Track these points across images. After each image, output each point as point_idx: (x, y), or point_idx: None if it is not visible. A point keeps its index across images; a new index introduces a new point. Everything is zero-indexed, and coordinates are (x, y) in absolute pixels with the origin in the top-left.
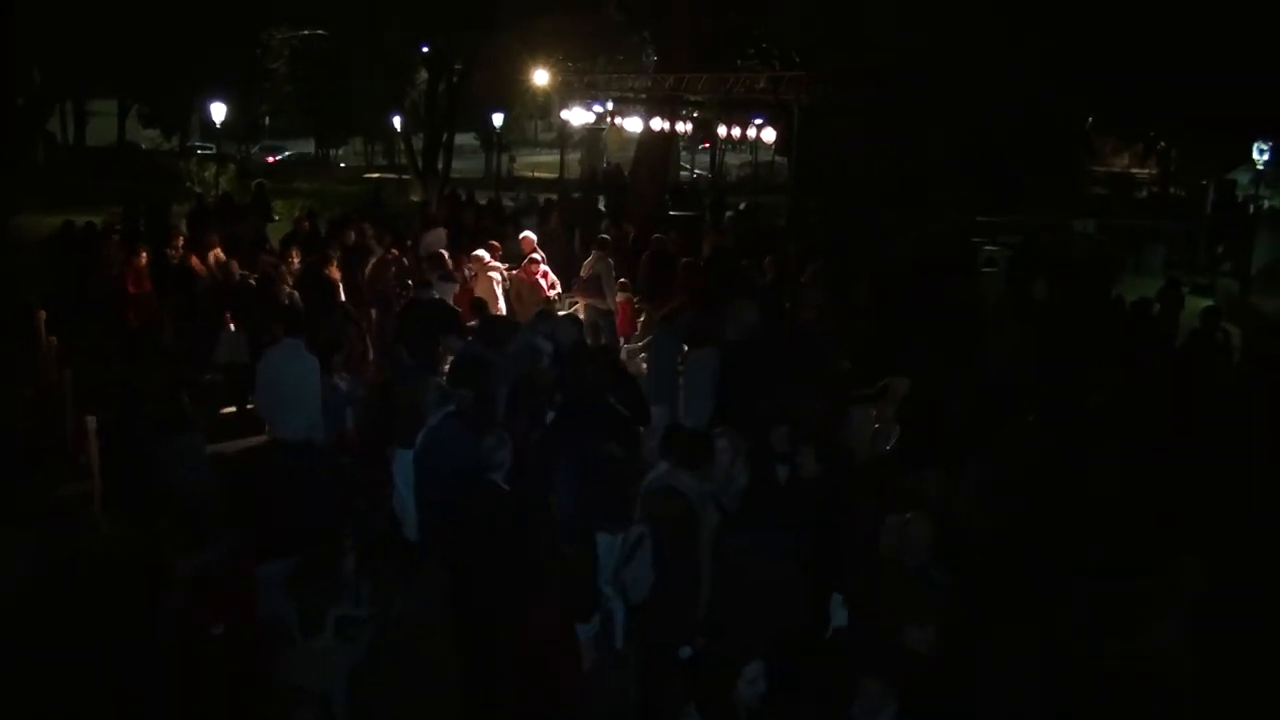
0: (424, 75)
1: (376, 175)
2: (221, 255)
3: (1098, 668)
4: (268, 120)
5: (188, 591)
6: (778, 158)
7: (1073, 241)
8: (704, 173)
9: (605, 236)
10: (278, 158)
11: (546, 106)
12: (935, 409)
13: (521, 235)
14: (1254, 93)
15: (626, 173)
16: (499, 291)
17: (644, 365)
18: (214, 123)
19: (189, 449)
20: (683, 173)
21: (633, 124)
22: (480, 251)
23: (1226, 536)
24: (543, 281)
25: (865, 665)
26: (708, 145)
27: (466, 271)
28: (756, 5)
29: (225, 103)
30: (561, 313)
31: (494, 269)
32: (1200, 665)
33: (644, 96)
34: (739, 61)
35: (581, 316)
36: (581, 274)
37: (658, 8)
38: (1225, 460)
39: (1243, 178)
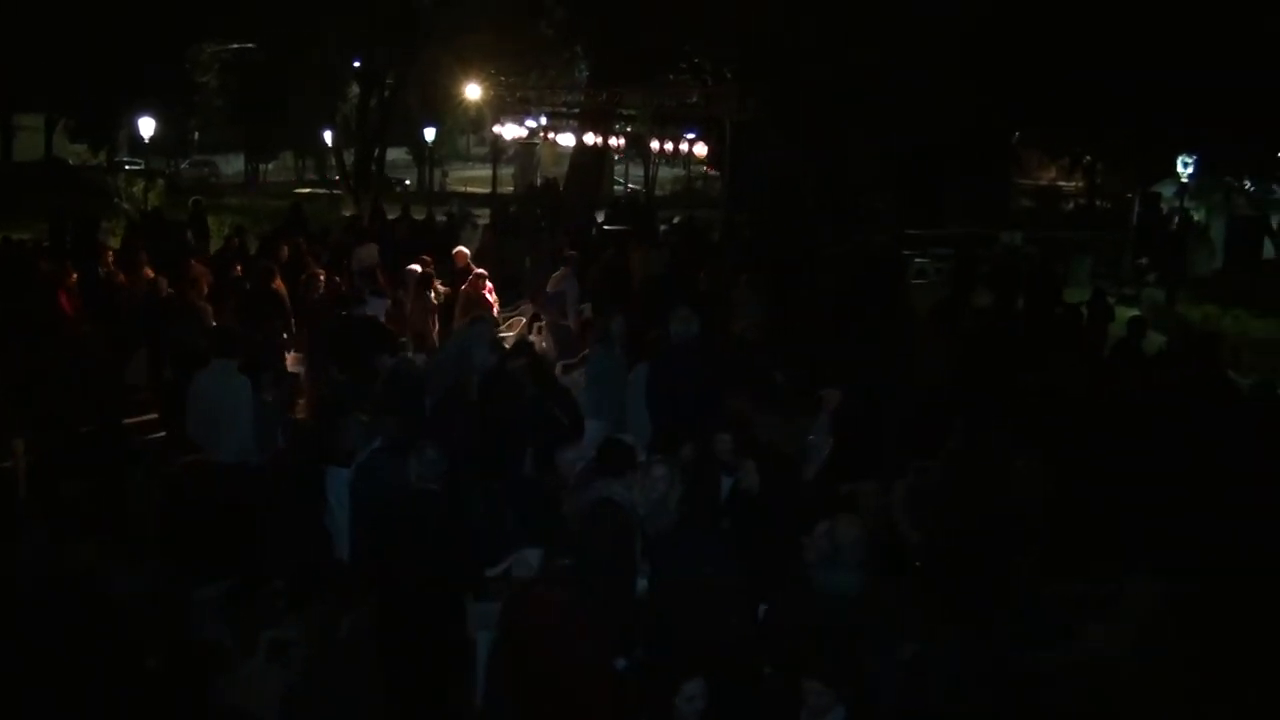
0: (355, 89)
1: (307, 191)
2: (150, 273)
3: (1035, 673)
4: (197, 135)
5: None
6: (711, 171)
7: (1016, 252)
8: (638, 187)
9: (572, 253)
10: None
11: (479, 121)
12: (869, 419)
13: (455, 250)
14: (1179, 108)
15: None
16: (430, 307)
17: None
18: (142, 138)
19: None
20: (616, 187)
21: (566, 138)
22: (414, 266)
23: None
24: (490, 297)
25: (807, 669)
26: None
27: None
28: (690, 22)
29: (154, 117)
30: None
31: (424, 285)
32: (1140, 671)
33: (577, 111)
34: (671, 76)
35: (516, 332)
36: (548, 289)
37: (590, 23)
38: (1151, 465)
39: (1167, 190)
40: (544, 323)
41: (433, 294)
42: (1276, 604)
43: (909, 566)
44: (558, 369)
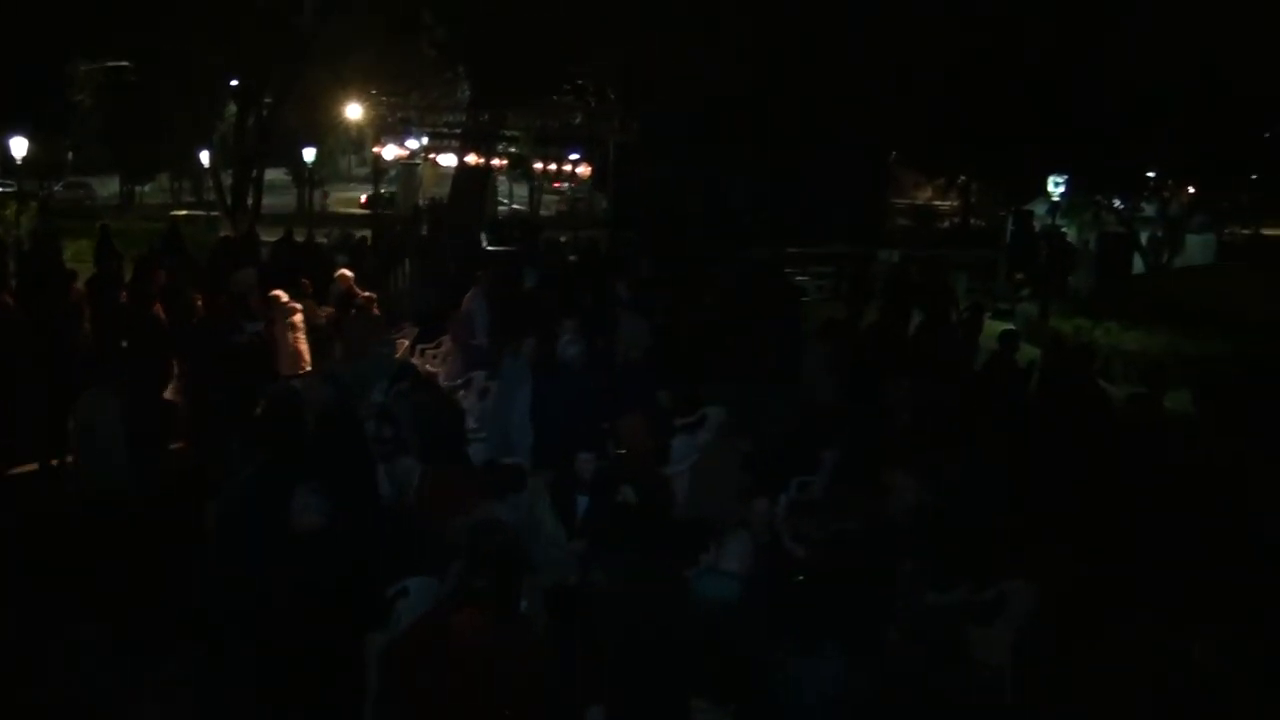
0: (233, 109)
1: (184, 213)
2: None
3: (919, 683)
4: (71, 156)
5: None
6: (596, 191)
7: (910, 268)
8: (522, 207)
9: (482, 273)
10: None
11: (360, 141)
12: (754, 435)
13: (338, 273)
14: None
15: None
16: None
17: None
18: (14, 158)
19: None
20: (500, 207)
21: (448, 159)
22: (278, 292)
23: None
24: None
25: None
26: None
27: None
28: (573, 43)
29: (27, 138)
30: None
31: (295, 309)
32: (1026, 677)
33: (459, 131)
34: (554, 97)
35: (399, 355)
36: (462, 308)
37: (472, 44)
38: (1028, 473)
39: (1039, 208)
40: (442, 345)
41: (299, 318)
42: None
43: (794, 578)
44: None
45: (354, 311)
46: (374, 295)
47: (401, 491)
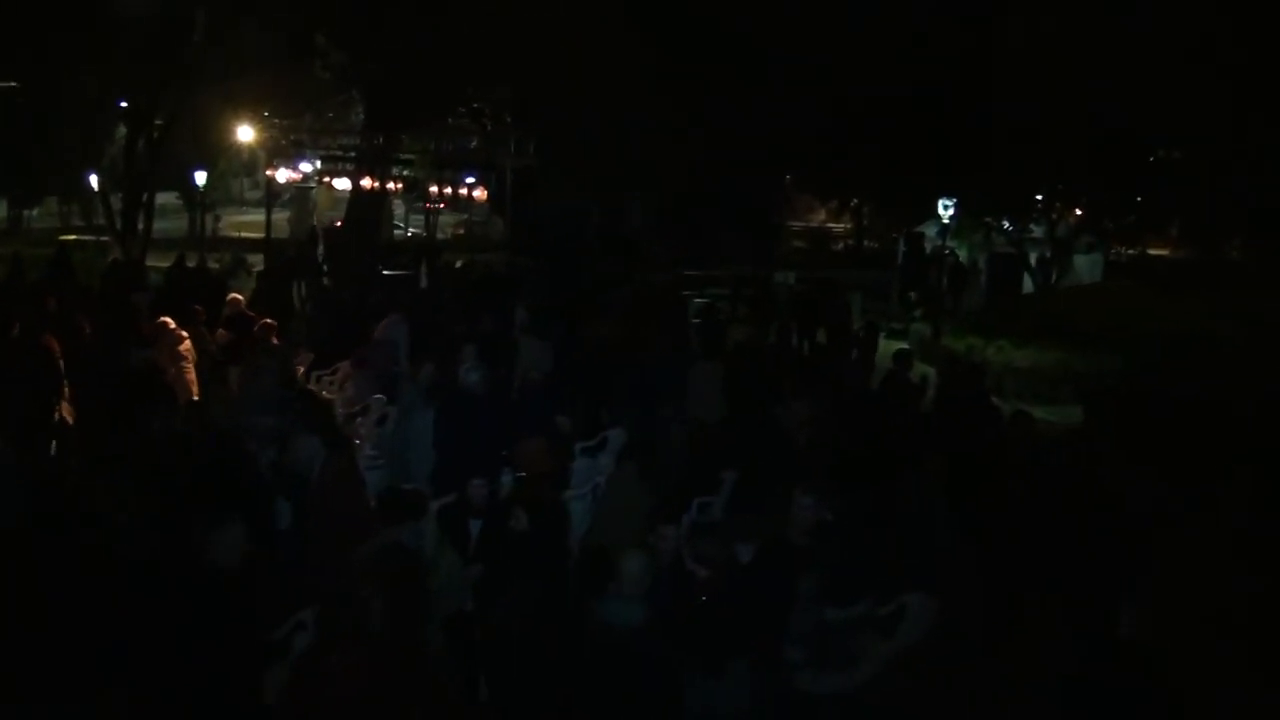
0: (123, 131)
1: (74, 237)
2: None
3: (811, 703)
4: None
5: None
6: (494, 216)
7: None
8: (419, 231)
9: (403, 299)
10: None
11: (253, 164)
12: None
13: (229, 297)
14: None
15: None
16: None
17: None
18: None
19: None
20: (396, 231)
21: (343, 182)
22: (166, 319)
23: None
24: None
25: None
26: (431, 206)
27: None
28: (468, 68)
29: None
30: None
31: (182, 338)
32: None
33: (353, 155)
34: (450, 121)
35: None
36: (375, 335)
37: (367, 66)
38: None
39: (930, 230)
40: (339, 371)
41: (187, 346)
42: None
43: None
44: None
45: (253, 338)
46: (274, 322)
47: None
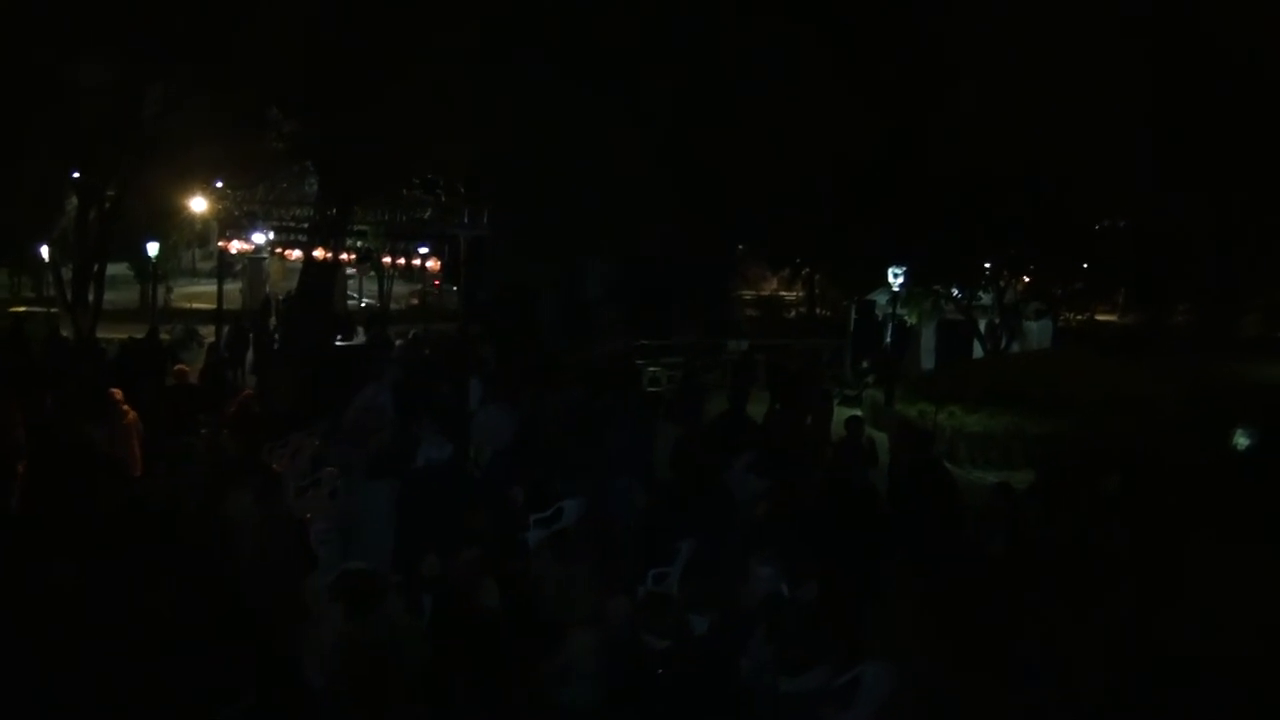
0: (75, 202)
1: (24, 309)
2: None
3: None
4: None
5: None
6: (449, 286)
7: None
8: (373, 301)
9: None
10: None
11: (205, 235)
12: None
13: (176, 367)
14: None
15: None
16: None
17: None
18: None
19: None
20: (350, 301)
21: (296, 252)
22: (115, 390)
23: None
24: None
25: None
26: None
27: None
28: (422, 139)
29: None
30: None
31: (128, 411)
32: None
33: (306, 225)
34: (404, 192)
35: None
36: (357, 404)
37: (320, 138)
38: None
39: (881, 298)
40: (289, 443)
41: (133, 418)
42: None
43: (654, 675)
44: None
45: (236, 409)
46: (253, 392)
47: None
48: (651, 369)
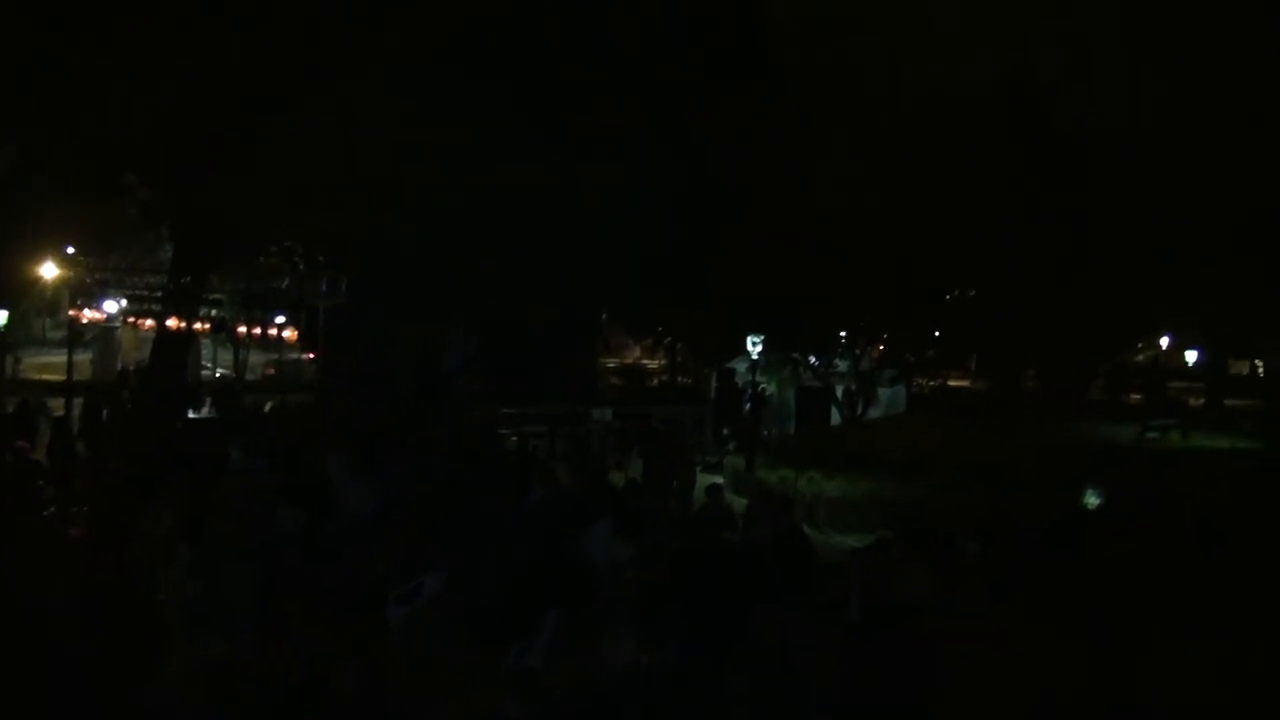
0: None
1: None
2: None
3: None
4: None
5: None
6: (305, 356)
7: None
8: (228, 372)
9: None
10: None
11: (56, 303)
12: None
13: (18, 443)
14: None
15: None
16: None
17: None
18: None
19: None
20: (204, 372)
21: (149, 321)
22: None
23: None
24: None
25: None
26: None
27: None
28: (280, 206)
29: None
30: None
31: None
32: None
33: (159, 294)
34: (261, 259)
35: None
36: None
37: (175, 204)
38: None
39: (741, 366)
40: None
41: None
42: None
43: None
44: None
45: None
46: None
47: None
48: (515, 438)
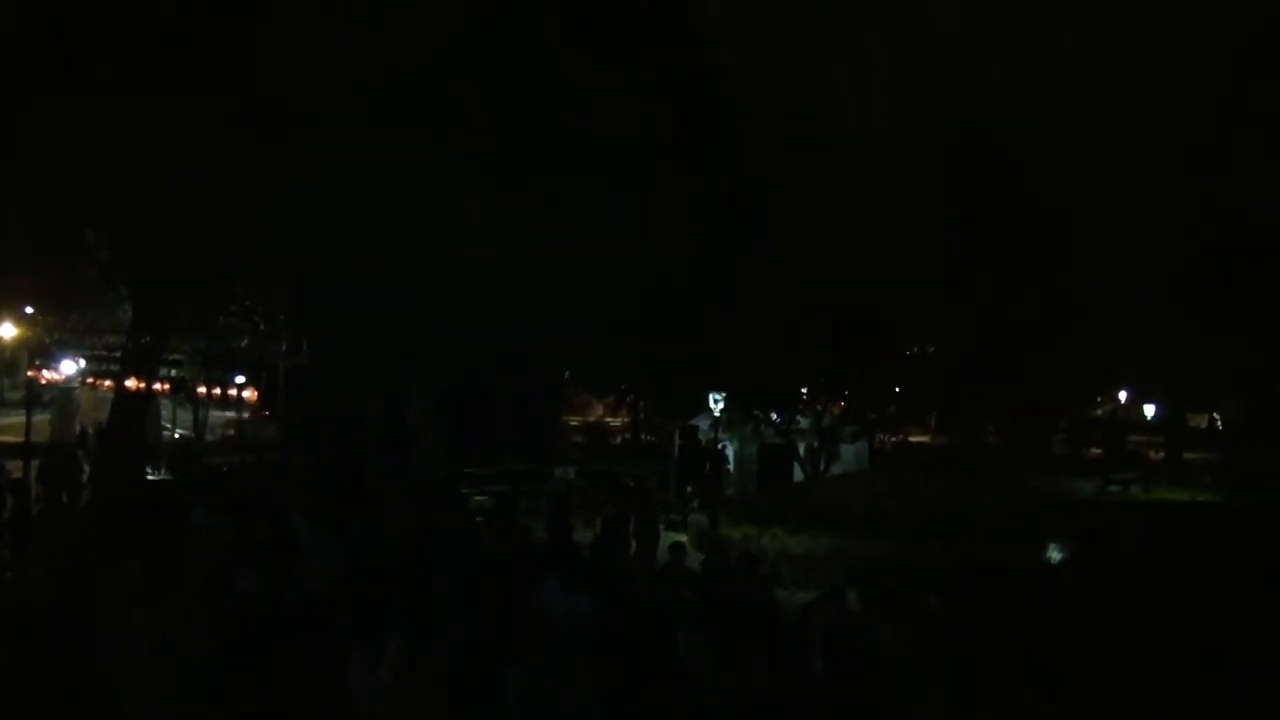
0: None
1: None
2: None
3: None
4: None
5: None
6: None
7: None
8: (188, 432)
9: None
10: None
11: (14, 363)
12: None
13: None
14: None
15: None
16: None
17: None
18: None
19: None
20: (164, 432)
21: (108, 382)
22: None
23: None
24: None
25: None
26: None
27: None
28: (240, 265)
29: None
30: None
31: None
32: None
33: (118, 355)
34: (221, 319)
35: None
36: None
37: (135, 264)
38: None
39: (703, 423)
40: None
41: None
42: None
43: None
44: None
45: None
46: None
47: None
48: (478, 497)
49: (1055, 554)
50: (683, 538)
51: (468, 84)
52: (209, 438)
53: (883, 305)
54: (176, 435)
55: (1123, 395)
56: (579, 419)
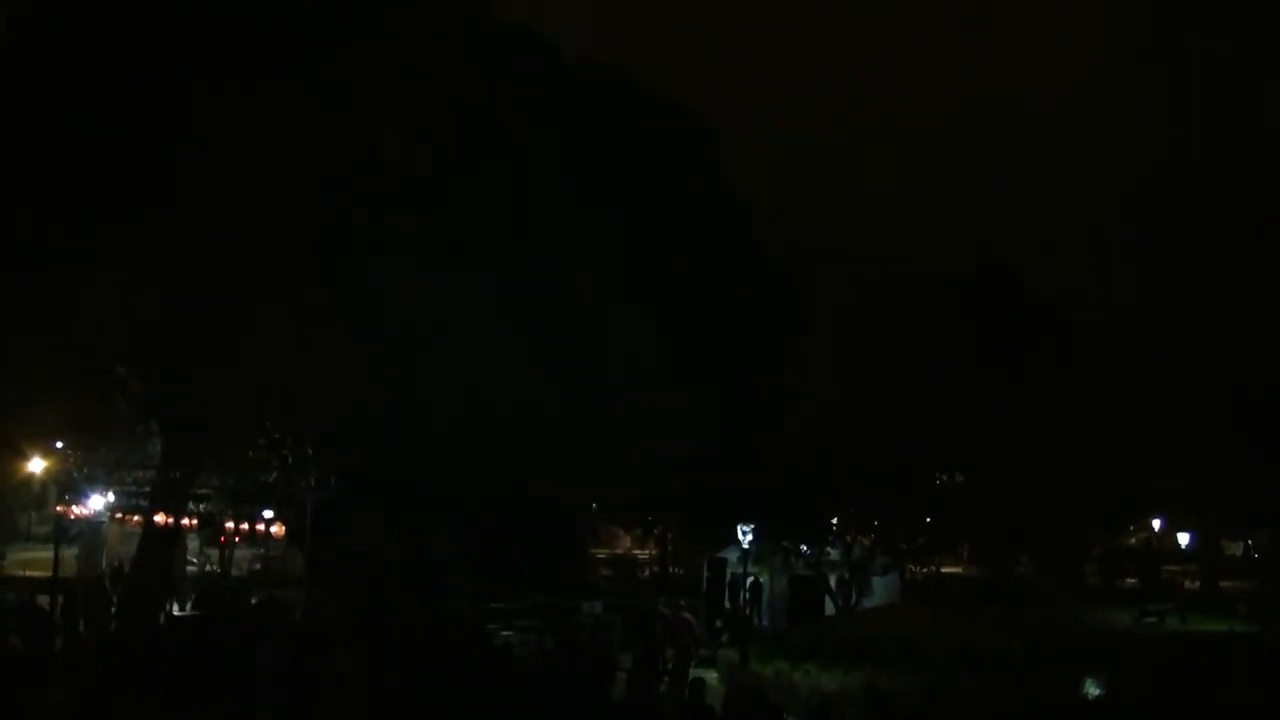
0: None
1: None
2: None
3: None
4: None
5: None
6: (293, 550)
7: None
8: (214, 568)
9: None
10: None
11: (43, 498)
12: None
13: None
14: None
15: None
16: None
17: None
18: None
19: None
20: (190, 568)
21: (136, 517)
22: None
23: None
24: None
25: None
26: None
27: None
28: (270, 399)
29: None
30: None
31: None
32: None
33: (147, 489)
34: (250, 453)
35: None
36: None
37: (166, 399)
38: None
39: (732, 555)
40: None
41: None
42: None
43: None
44: None
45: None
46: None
47: None
48: (505, 632)
49: (1093, 689)
50: (713, 673)
51: (495, 222)
52: (236, 573)
53: (911, 433)
54: (205, 569)
55: (1156, 524)
56: (606, 551)
